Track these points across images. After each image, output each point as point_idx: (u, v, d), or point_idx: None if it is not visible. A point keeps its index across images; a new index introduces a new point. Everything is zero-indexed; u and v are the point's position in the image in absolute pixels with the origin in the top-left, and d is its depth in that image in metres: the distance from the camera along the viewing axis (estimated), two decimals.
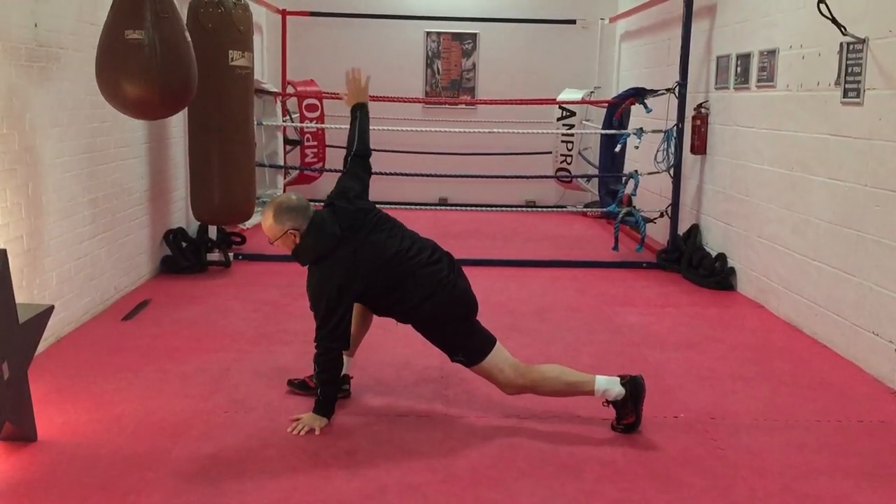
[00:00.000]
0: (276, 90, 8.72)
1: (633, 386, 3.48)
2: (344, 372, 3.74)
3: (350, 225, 3.46)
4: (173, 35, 4.39)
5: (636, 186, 7.41)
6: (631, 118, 8.19)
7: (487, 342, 3.52)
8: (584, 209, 9.41)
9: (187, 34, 4.57)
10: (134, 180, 5.68)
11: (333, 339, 3.42)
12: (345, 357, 3.72)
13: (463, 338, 3.53)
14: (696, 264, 6.49)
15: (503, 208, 8.60)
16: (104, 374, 4.06)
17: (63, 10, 4.62)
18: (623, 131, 7.71)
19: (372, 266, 3.42)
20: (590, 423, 3.60)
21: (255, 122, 6.87)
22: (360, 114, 4.10)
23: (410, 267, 3.46)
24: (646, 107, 7.40)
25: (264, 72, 9.04)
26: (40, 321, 3.34)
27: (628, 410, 3.48)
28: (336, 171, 8.93)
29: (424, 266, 3.48)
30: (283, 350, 4.50)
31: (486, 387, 4.00)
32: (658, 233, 7.51)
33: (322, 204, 3.65)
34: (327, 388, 3.50)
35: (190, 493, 2.92)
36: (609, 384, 3.47)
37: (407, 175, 8.36)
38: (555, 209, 9.48)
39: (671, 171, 6.98)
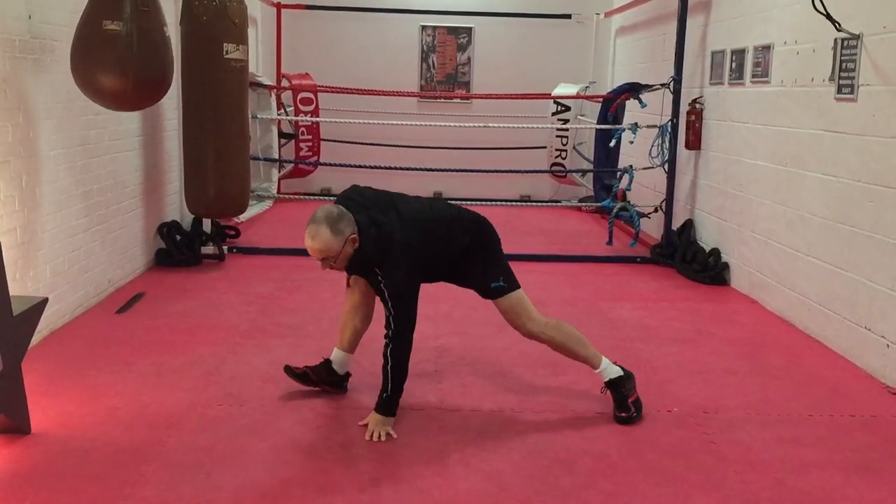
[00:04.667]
0: (270, 83, 8.70)
1: (626, 373, 3.65)
2: (346, 370, 3.79)
3: (381, 208, 3.41)
4: (152, 28, 4.41)
5: (630, 181, 7.42)
6: (626, 113, 8.21)
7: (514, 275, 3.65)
8: (579, 204, 9.42)
9: (166, 29, 4.59)
10: (128, 173, 5.67)
11: (410, 330, 3.38)
12: (345, 355, 3.74)
13: (503, 263, 3.65)
14: (689, 259, 6.50)
15: (498, 203, 8.59)
16: (98, 366, 4.06)
17: (57, 2, 4.60)
18: (618, 126, 7.72)
19: (420, 231, 3.41)
20: (583, 417, 3.62)
21: (250, 116, 6.86)
22: None
23: (446, 216, 3.56)
24: (641, 102, 7.41)
25: (259, 65, 9.02)
26: (34, 313, 3.34)
27: (627, 391, 3.59)
28: (331, 164, 8.98)
29: (450, 208, 3.64)
30: (278, 343, 4.50)
31: (480, 381, 4.01)
32: (652, 228, 7.53)
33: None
34: (401, 385, 3.42)
35: (184, 485, 2.92)
36: (609, 365, 3.64)
37: (401, 169, 8.36)
38: (549, 204, 9.49)
39: (665, 167, 6.99)
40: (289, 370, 3.80)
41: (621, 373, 3.63)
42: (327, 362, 3.76)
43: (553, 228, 8.37)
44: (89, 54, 4.29)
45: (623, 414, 3.57)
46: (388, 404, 3.40)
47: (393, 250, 3.31)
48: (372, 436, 3.34)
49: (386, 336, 3.37)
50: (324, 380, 3.76)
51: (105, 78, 4.29)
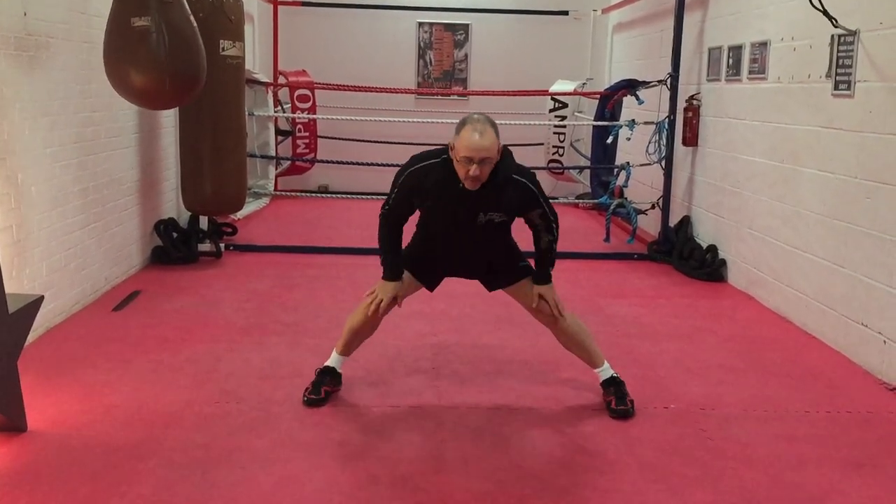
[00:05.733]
0: (267, 80, 8.69)
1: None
2: (339, 371, 3.77)
3: None
4: (179, 21, 4.37)
5: (628, 178, 7.42)
6: (623, 110, 8.20)
7: None
8: (576, 200, 9.42)
9: (193, 20, 4.54)
10: (124, 170, 5.65)
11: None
12: (346, 359, 3.75)
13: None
14: (687, 256, 6.50)
15: None
16: (94, 364, 4.05)
17: None
18: (615, 123, 7.71)
19: None
20: (580, 415, 3.62)
21: (247, 113, 6.85)
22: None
23: None
24: (638, 98, 7.41)
25: (256, 62, 9.00)
26: (30, 311, 3.33)
27: (625, 389, 3.68)
28: (328, 161, 8.96)
29: None
30: (275, 340, 4.49)
31: (477, 378, 4.02)
32: (649, 224, 7.53)
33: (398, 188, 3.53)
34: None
35: (181, 483, 2.92)
36: (609, 367, 3.74)
37: (399, 165, 8.34)
38: None
39: (663, 163, 6.99)
40: (313, 402, 3.61)
41: (616, 375, 3.73)
42: (331, 369, 3.74)
43: None
44: (122, 54, 4.25)
45: (622, 407, 3.59)
46: (551, 275, 3.63)
47: (518, 172, 3.40)
48: (557, 303, 3.59)
49: (550, 234, 3.57)
50: (336, 384, 3.76)
51: (140, 76, 4.25)
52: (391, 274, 3.56)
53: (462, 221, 3.45)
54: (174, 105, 4.97)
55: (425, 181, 3.41)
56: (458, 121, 3.39)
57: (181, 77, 4.38)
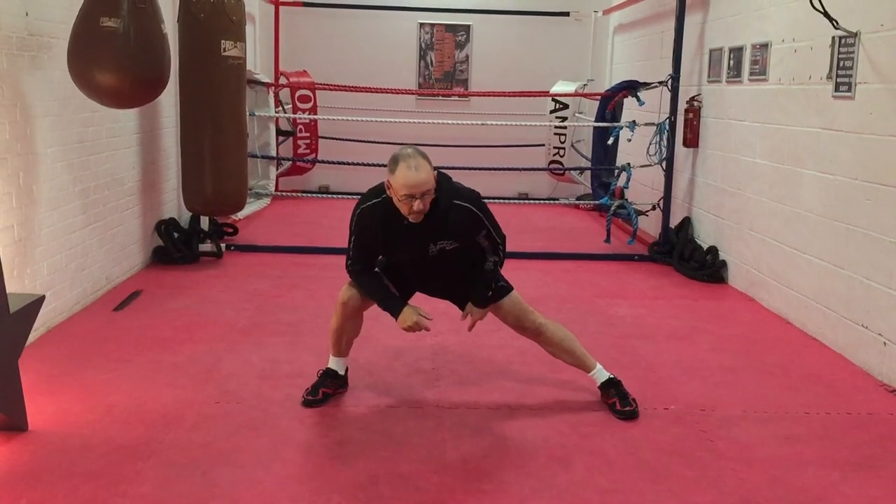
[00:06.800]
0: (268, 81, 8.70)
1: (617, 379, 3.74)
2: (342, 373, 3.77)
3: None
4: (149, 26, 4.43)
5: (628, 179, 7.42)
6: (624, 111, 8.21)
7: None
8: (577, 201, 9.43)
9: (164, 26, 4.61)
10: (126, 170, 5.66)
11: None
12: (345, 359, 3.75)
13: None
14: (687, 257, 6.51)
15: (496, 200, 8.58)
16: (95, 364, 4.06)
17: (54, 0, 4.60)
18: (616, 124, 7.72)
19: None
20: (580, 415, 3.62)
21: (248, 113, 6.85)
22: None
23: None
24: (639, 100, 7.41)
25: (257, 62, 9.01)
26: (31, 311, 3.33)
27: (625, 389, 3.69)
28: (329, 162, 8.98)
29: None
30: (275, 340, 4.50)
31: (477, 378, 4.02)
32: (650, 225, 7.53)
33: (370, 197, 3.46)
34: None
35: (181, 483, 2.92)
36: (602, 368, 3.73)
37: None
38: (547, 201, 9.49)
39: (663, 164, 6.99)
40: (310, 402, 3.64)
41: (613, 376, 3.73)
42: (332, 371, 3.74)
43: (551, 226, 8.36)
44: (86, 51, 4.30)
45: (627, 408, 3.60)
46: (487, 299, 3.58)
47: (459, 195, 3.37)
48: (473, 325, 3.61)
49: (496, 255, 3.57)
50: (338, 386, 3.76)
51: (102, 75, 4.30)
52: (398, 307, 3.47)
53: (415, 254, 3.44)
54: (134, 105, 5.02)
55: (374, 218, 3.38)
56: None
57: (142, 79, 4.43)
